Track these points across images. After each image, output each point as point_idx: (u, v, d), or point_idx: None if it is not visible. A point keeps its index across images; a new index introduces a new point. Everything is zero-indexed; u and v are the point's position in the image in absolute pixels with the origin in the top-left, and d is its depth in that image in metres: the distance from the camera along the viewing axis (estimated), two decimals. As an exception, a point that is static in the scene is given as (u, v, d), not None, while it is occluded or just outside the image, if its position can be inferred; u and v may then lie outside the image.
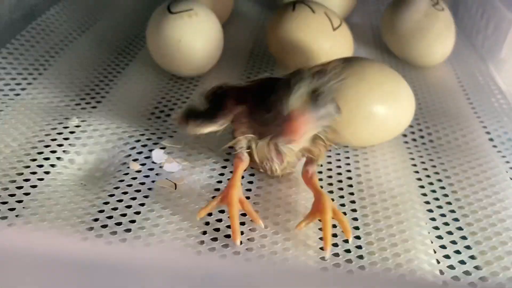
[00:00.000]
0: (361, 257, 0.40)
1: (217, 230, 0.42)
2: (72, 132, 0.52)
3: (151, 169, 0.49)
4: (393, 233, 0.43)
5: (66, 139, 0.51)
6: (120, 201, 0.44)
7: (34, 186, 0.45)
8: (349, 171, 0.51)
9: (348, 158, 0.53)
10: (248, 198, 0.45)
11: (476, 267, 0.40)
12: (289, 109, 0.35)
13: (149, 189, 0.46)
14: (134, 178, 0.48)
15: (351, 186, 0.48)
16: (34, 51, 0.66)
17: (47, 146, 0.50)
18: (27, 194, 0.44)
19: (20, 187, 0.44)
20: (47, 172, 0.47)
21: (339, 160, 0.52)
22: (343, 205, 0.46)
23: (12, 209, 0.42)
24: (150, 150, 0.52)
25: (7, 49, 0.64)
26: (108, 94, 0.62)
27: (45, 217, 0.41)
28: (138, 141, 0.53)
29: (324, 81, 0.36)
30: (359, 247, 0.41)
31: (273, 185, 0.48)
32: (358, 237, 0.42)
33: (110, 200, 0.44)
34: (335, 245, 0.41)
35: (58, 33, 0.71)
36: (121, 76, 0.66)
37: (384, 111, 0.49)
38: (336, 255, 0.40)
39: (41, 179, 0.46)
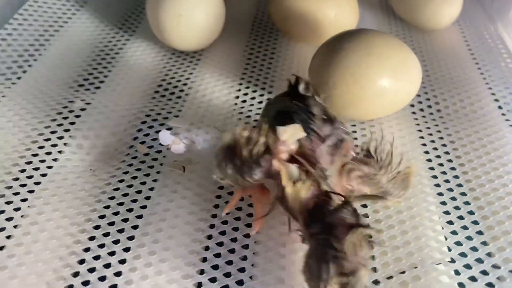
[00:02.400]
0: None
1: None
2: (78, 116, 0.52)
3: (158, 152, 0.49)
4: (400, 209, 0.43)
5: (72, 123, 0.51)
6: (130, 186, 0.45)
7: (44, 175, 0.45)
8: (356, 145, 0.50)
9: (355, 132, 0.52)
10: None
11: (483, 243, 0.40)
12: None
13: (158, 172, 0.47)
14: (143, 162, 0.48)
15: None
16: (29, 33, 0.65)
17: (53, 132, 0.50)
18: (37, 183, 0.44)
19: (30, 177, 0.45)
20: (55, 160, 0.47)
21: (354, 131, 0.52)
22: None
23: (24, 200, 0.43)
24: (157, 132, 0.52)
25: (6, 30, 0.63)
26: (111, 73, 0.61)
27: (57, 207, 0.42)
28: (144, 122, 0.53)
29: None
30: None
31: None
32: (366, 215, 0.43)
33: (120, 186, 0.45)
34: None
35: (54, 12, 0.70)
36: (122, 53, 0.65)
37: (393, 84, 0.49)
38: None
39: (50, 167, 0.46)
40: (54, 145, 0.49)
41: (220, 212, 0.42)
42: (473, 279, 0.37)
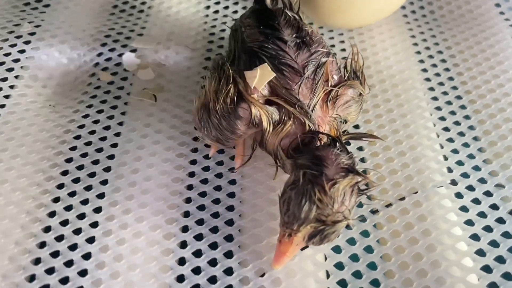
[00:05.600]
0: (360, 148, 0.38)
1: (207, 146, 0.38)
2: (27, 42, 0.45)
3: (124, 79, 0.44)
4: (396, 128, 0.40)
5: (21, 51, 0.45)
6: (96, 122, 0.40)
7: (-5, 115, 0.40)
8: (343, 58, 0.46)
9: (342, 42, 0.47)
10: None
11: (480, 149, 0.38)
12: None
13: (126, 103, 0.42)
14: (107, 92, 0.43)
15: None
16: None
17: (1, 64, 0.43)
18: (-10, 127, 0.39)
19: (-20, 120, 0.39)
20: (7, 96, 0.41)
21: (342, 42, 0.47)
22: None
23: (-23, 147, 0.37)
24: (120, 55, 0.46)
25: None
26: (60, -14, 0.53)
27: (17, 152, 0.37)
28: (104, 44, 0.47)
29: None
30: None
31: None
32: (357, 127, 0.40)
33: (85, 123, 0.40)
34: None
35: None
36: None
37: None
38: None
39: (3, 106, 0.41)
40: (4, 79, 0.42)
41: (201, 145, 0.38)
42: (476, 201, 0.35)
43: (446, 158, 0.38)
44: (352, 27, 0.48)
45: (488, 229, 0.33)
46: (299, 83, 0.33)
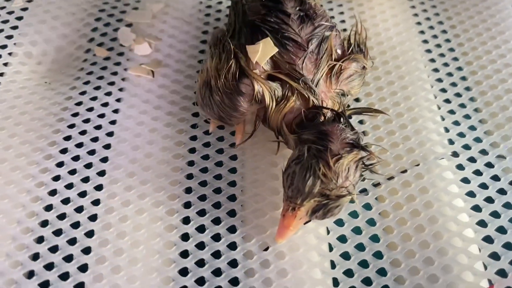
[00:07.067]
0: (361, 122, 0.38)
1: (207, 122, 0.38)
2: (19, 18, 0.44)
3: (120, 54, 0.43)
4: (398, 100, 0.39)
5: (14, 28, 0.44)
6: (94, 99, 0.39)
7: (-9, 94, 0.39)
8: (344, 30, 0.45)
9: (342, 13, 0.47)
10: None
11: (481, 121, 0.38)
12: None
13: (123, 79, 0.41)
14: (104, 68, 0.42)
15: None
16: None
17: (-7, 41, 0.42)
18: (-14, 106, 0.38)
19: (-25, 98, 0.39)
20: (2, 74, 0.41)
21: (342, 13, 0.47)
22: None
23: (-26, 126, 0.37)
24: (115, 30, 0.45)
25: None
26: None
27: (15, 131, 0.37)
28: (99, 19, 0.46)
29: None
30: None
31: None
32: (358, 100, 0.39)
33: (82, 100, 0.39)
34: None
35: None
36: None
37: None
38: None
39: (-3, 84, 0.40)
40: (-3, 57, 0.42)
41: (200, 121, 0.38)
42: (477, 172, 0.35)
43: (447, 130, 0.38)
44: (352, -2, 0.47)
45: (489, 200, 0.33)
46: (303, 57, 0.32)
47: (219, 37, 0.35)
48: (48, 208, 0.33)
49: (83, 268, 0.30)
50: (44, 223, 0.32)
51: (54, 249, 0.31)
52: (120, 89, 0.40)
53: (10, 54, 0.42)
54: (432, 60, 0.42)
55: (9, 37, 0.43)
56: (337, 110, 0.32)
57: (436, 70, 0.42)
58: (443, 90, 0.40)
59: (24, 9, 0.45)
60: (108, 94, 0.40)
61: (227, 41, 0.33)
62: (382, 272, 0.30)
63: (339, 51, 0.34)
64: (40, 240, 0.31)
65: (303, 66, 0.32)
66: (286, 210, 0.29)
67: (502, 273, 0.30)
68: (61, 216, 0.32)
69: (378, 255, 0.31)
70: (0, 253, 0.30)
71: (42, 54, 0.43)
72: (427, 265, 0.30)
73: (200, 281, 0.30)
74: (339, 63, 0.33)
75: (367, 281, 0.30)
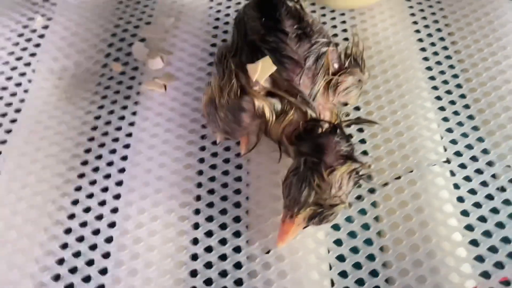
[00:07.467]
0: (361, 130, 0.40)
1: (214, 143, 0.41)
2: (41, 36, 0.48)
3: (135, 69, 0.46)
4: (395, 108, 0.41)
5: (37, 46, 0.47)
6: (111, 112, 0.43)
7: (18, 111, 0.43)
8: (346, 39, 0.47)
9: (344, 22, 0.49)
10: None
11: (474, 128, 0.40)
12: None
13: (138, 93, 0.44)
14: (120, 83, 0.45)
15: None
16: None
17: (18, 59, 0.46)
18: (13, 121, 0.42)
19: (4, 115, 0.42)
20: (26, 91, 0.44)
21: (344, 22, 0.49)
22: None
23: (3, 142, 0.41)
24: (130, 45, 0.48)
25: None
26: (69, -23, 0.54)
27: (39, 146, 0.40)
28: (114, 35, 0.49)
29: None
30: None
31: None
32: (358, 108, 0.42)
33: (101, 113, 0.43)
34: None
35: None
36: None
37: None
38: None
39: (22, 101, 0.44)
40: (22, 74, 0.45)
41: (208, 132, 0.41)
42: (467, 179, 0.37)
43: (441, 137, 0.40)
44: (353, 7, 0.49)
45: (477, 205, 0.35)
46: (300, 74, 0.35)
47: (224, 53, 0.38)
48: (71, 216, 0.36)
49: (103, 271, 0.34)
50: (68, 231, 0.36)
51: (77, 254, 0.34)
52: (135, 103, 0.43)
53: (34, 71, 0.45)
54: (429, 68, 0.44)
55: (33, 54, 0.46)
56: (333, 123, 0.34)
57: (432, 78, 0.43)
58: (439, 98, 0.42)
59: (45, 27, 0.48)
60: (124, 107, 0.43)
61: (229, 60, 0.36)
62: (374, 273, 0.33)
63: (336, 65, 0.37)
64: (64, 246, 0.35)
65: (301, 82, 0.35)
66: (285, 217, 0.32)
67: (485, 274, 0.32)
68: (83, 224, 0.36)
69: (371, 257, 0.34)
70: (30, 258, 0.34)
71: (62, 69, 0.46)
72: (416, 267, 0.33)
73: (208, 281, 0.33)
74: (335, 77, 0.36)
75: (360, 281, 0.33)
